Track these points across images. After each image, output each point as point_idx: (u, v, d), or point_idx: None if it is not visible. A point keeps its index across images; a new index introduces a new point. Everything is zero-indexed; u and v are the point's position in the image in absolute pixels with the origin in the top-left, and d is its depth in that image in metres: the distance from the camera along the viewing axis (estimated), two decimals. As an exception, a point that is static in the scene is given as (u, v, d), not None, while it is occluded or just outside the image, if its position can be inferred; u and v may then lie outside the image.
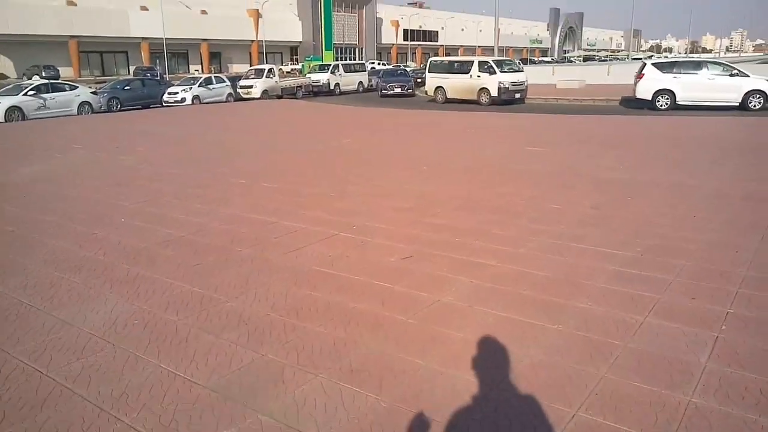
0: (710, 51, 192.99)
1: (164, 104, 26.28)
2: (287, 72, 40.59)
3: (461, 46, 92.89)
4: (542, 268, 4.78)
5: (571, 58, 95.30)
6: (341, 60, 58.97)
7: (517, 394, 3.02)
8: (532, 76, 25.15)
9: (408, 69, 42.74)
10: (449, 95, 24.55)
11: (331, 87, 32.80)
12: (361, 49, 79.42)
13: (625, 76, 29.58)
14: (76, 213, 7.05)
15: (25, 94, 20.86)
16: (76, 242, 5.81)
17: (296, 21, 73.19)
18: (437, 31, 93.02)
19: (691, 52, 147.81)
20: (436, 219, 6.38)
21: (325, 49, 71.69)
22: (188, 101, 26.28)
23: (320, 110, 23.18)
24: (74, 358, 3.50)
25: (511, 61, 27.29)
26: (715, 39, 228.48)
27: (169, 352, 3.54)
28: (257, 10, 67.22)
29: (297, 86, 31.60)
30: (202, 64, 63.94)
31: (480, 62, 23.88)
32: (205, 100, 27.10)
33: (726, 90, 18.62)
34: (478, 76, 23.37)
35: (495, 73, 22.85)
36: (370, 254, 5.25)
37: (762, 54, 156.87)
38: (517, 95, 23.25)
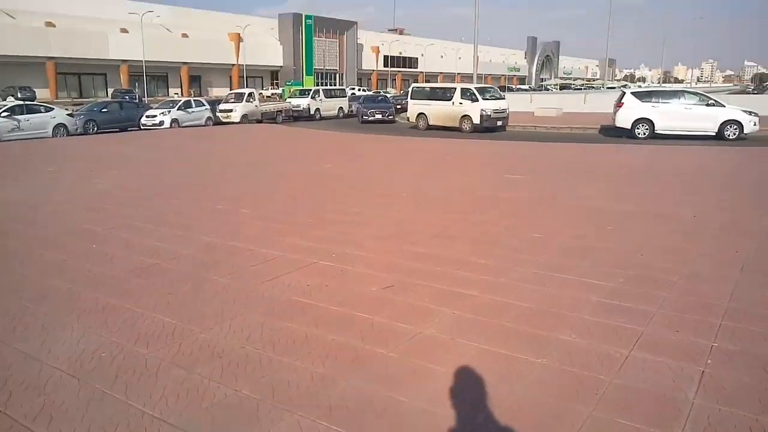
0: (682, 81, 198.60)
1: (142, 127, 25.99)
2: (267, 96, 40.67)
3: (441, 72, 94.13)
4: (525, 299, 4.70)
5: (548, 86, 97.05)
6: (322, 85, 59.37)
7: (503, 433, 2.91)
8: (511, 103, 25.41)
9: (388, 95, 43.12)
10: (431, 122, 24.66)
11: (312, 112, 32.85)
12: (342, 74, 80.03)
13: (601, 105, 30.24)
14: (44, 239, 6.81)
15: (-1, 116, 20.45)
16: (43, 270, 5.59)
17: (277, 46, 73.65)
18: (417, 58, 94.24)
19: (664, 82, 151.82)
20: (417, 247, 6.30)
21: (306, 74, 72.22)
22: (166, 124, 26.03)
23: (300, 135, 23.13)
24: (35, 394, 3.30)
25: (493, 88, 27.62)
26: (686, 69, 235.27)
27: (138, 387, 3.36)
28: (238, 34, 67.52)
29: (277, 111, 31.57)
30: (181, 87, 63.77)
31: (462, 89, 24.06)
32: (183, 124, 26.88)
33: (703, 119, 19.08)
34: (461, 103, 23.55)
35: (477, 100, 23.06)
36: (350, 283, 5.13)
37: (731, 84, 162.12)
38: (499, 123, 23.47)
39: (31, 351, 3.84)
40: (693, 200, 8.93)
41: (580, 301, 4.66)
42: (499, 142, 19.66)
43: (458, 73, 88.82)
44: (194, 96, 43.67)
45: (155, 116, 26.37)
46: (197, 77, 66.56)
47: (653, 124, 19.55)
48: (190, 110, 27.83)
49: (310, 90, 35.77)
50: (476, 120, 23.00)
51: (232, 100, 30.12)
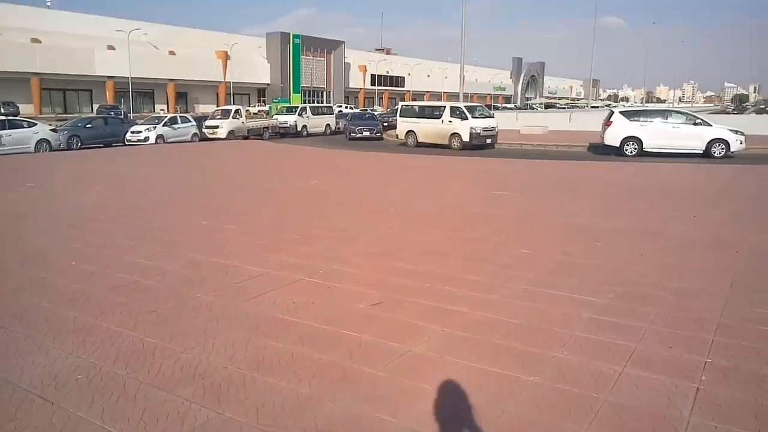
0: (664, 101, 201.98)
1: (127, 143, 25.78)
2: (254, 113, 40.62)
3: (427, 91, 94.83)
4: (515, 316, 4.62)
5: (534, 105, 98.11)
6: (309, 103, 59.45)
7: (495, 455, 2.81)
8: (497, 121, 25.63)
9: (375, 113, 43.25)
10: (420, 139, 24.72)
11: (299, 129, 32.83)
12: (329, 92, 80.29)
13: (586, 123, 30.59)
14: (22, 256, 6.63)
15: (-20, 131, 20.16)
16: (20, 288, 5.42)
17: (265, 64, 73.80)
18: (404, 77, 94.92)
19: (647, 102, 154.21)
20: (405, 263, 6.21)
21: (293, 92, 72.32)
22: (152, 140, 25.84)
23: (287, 151, 23.05)
24: (6, 419, 3.14)
25: (481, 106, 27.78)
26: (668, 90, 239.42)
27: (115, 411, 3.22)
28: (226, 52, 67.59)
29: (264, 127, 31.52)
30: (168, 103, 63.51)
31: (452, 108, 24.15)
32: (169, 140, 26.70)
33: (690, 138, 19.36)
34: (450, 121, 23.65)
35: (467, 118, 23.18)
36: (337, 301, 5.02)
37: (712, 105, 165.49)
38: (488, 140, 23.57)
39: (3, 373, 3.68)
40: (681, 217, 8.95)
41: (571, 317, 4.59)
42: (488, 159, 19.72)
43: (444, 92, 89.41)
44: (180, 112, 43.48)
45: (140, 132, 26.19)
46: (184, 94, 66.34)
47: (641, 142, 19.79)
48: (175, 126, 27.68)
49: (298, 107, 35.77)
50: (465, 138, 23.09)
51: (219, 117, 30.03)
